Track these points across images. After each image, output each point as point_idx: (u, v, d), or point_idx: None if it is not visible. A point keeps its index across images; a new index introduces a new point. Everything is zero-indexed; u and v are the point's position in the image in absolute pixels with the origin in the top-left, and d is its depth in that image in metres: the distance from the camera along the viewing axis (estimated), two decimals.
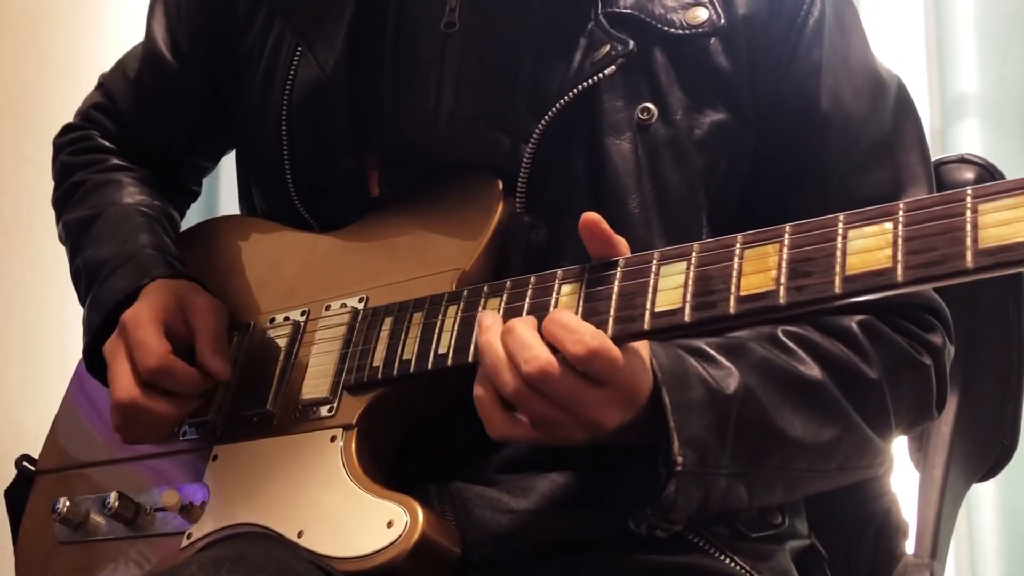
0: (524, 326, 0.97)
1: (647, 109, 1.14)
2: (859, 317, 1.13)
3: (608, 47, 1.14)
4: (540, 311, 1.01)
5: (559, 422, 0.96)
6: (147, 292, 1.22)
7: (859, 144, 1.17)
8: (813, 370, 1.09)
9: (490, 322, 1.00)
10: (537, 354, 0.94)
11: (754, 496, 1.07)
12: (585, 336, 0.94)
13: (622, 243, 1.01)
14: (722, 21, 1.15)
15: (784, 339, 1.10)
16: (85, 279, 1.30)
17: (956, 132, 2.11)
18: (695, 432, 1.00)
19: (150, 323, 1.17)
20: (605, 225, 1.00)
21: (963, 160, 1.39)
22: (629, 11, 1.16)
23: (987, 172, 1.38)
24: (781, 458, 1.07)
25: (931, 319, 1.17)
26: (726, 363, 1.05)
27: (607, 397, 0.96)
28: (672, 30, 1.15)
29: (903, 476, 1.37)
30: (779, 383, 1.07)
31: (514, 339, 0.96)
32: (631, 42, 1.13)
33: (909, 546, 1.36)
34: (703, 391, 1.02)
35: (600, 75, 1.13)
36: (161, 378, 1.15)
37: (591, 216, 1.00)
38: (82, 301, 1.32)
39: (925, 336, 1.15)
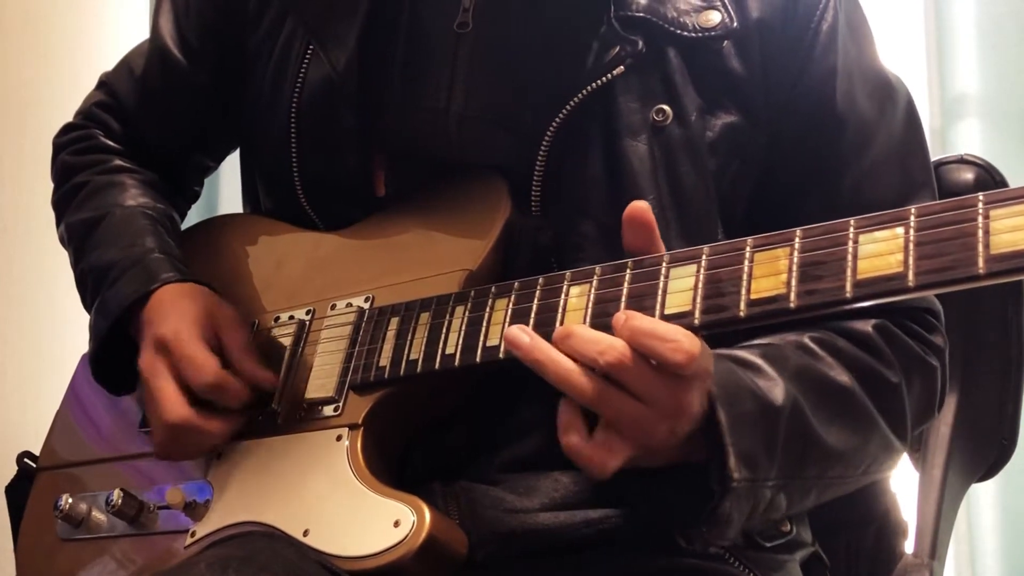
0: (580, 327, 0.95)
1: (662, 110, 1.14)
2: (874, 321, 1.13)
3: (618, 48, 1.13)
4: (548, 312, 1.01)
5: (643, 417, 0.93)
6: (170, 302, 1.20)
7: (870, 148, 1.17)
8: (843, 376, 1.09)
9: (528, 339, 0.96)
10: (611, 343, 0.92)
11: (791, 505, 1.06)
12: (683, 343, 0.91)
13: (660, 243, 0.99)
14: (735, 24, 1.15)
15: (813, 345, 1.10)
16: (91, 283, 1.28)
17: (956, 132, 2.11)
18: (747, 446, 0.98)
19: (195, 339, 1.15)
20: (651, 216, 0.98)
21: (962, 161, 1.39)
22: (641, 14, 1.15)
23: (986, 173, 1.38)
24: (819, 467, 1.06)
25: (932, 320, 1.17)
26: (772, 372, 1.04)
27: (687, 384, 0.94)
28: (685, 33, 1.15)
29: (902, 476, 1.37)
30: (816, 390, 1.06)
31: (578, 340, 0.94)
32: (640, 43, 1.13)
33: (908, 546, 1.36)
34: (754, 404, 1.00)
35: (608, 75, 1.13)
36: (217, 394, 1.14)
37: (640, 205, 0.98)
38: (87, 305, 1.30)
39: (929, 338, 1.16)
